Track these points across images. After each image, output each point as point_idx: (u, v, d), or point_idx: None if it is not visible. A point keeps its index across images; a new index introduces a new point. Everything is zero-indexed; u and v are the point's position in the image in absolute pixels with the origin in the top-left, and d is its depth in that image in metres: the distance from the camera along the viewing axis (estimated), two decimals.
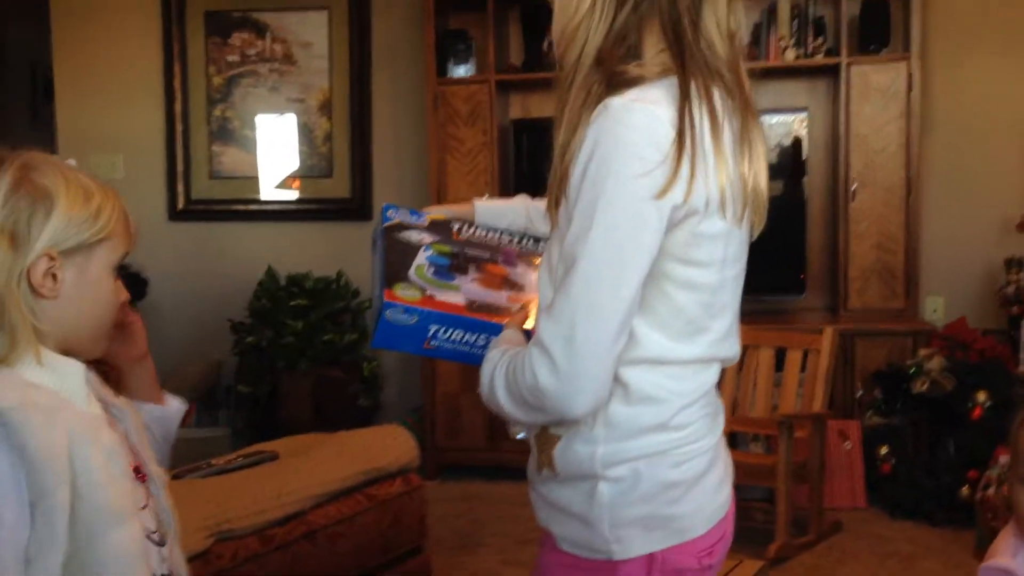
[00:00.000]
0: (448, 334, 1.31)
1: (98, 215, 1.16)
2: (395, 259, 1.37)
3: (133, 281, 4.77)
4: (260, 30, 4.83)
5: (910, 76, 4.01)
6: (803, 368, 3.55)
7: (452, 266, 1.40)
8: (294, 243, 4.84)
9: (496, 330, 1.31)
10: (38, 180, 1.13)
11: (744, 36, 1.22)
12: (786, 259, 4.11)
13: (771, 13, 4.19)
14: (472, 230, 1.50)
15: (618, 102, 1.10)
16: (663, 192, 1.08)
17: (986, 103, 4.25)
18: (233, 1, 4.83)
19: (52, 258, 1.13)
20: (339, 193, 4.81)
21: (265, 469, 2.67)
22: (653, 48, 1.17)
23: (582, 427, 1.17)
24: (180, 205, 4.93)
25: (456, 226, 1.49)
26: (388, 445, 2.84)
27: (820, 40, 4.19)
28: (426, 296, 1.31)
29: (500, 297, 1.38)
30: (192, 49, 4.89)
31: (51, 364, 1.14)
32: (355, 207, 4.78)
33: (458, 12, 4.54)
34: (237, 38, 4.85)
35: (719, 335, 1.21)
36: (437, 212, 1.52)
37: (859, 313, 4.10)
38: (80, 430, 1.12)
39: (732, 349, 1.24)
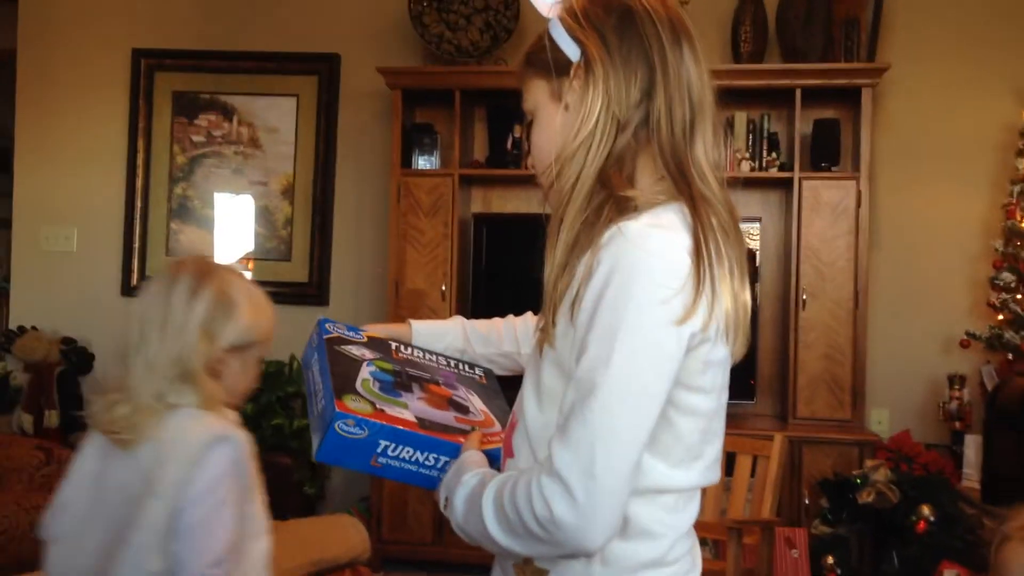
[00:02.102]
0: (397, 451, 1.25)
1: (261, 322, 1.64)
2: (340, 371, 1.31)
3: (79, 355, 4.68)
4: (228, 113, 4.87)
5: (859, 194, 4.15)
6: (752, 473, 3.58)
7: (396, 383, 1.35)
8: None
9: (448, 449, 1.26)
10: (228, 291, 1.59)
11: (723, 167, 1.23)
12: (737, 364, 4.16)
13: (728, 126, 4.35)
14: (410, 350, 1.47)
15: (635, 227, 1.08)
16: (683, 320, 1.07)
17: (931, 223, 4.42)
18: (203, 83, 4.88)
19: (227, 351, 1.59)
20: (296, 277, 4.81)
21: None
22: (650, 176, 1.17)
23: (575, 562, 1.13)
24: (134, 281, 4.88)
25: (394, 345, 1.46)
26: (340, 535, 2.80)
27: (774, 155, 4.35)
28: (377, 410, 1.25)
29: (448, 417, 1.32)
30: (158, 127, 4.91)
31: (225, 412, 1.61)
32: (312, 292, 4.77)
33: (425, 106, 4.63)
34: (204, 119, 4.89)
35: (710, 461, 1.20)
36: (374, 330, 1.49)
37: (807, 421, 4.16)
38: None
39: (717, 474, 1.22)
